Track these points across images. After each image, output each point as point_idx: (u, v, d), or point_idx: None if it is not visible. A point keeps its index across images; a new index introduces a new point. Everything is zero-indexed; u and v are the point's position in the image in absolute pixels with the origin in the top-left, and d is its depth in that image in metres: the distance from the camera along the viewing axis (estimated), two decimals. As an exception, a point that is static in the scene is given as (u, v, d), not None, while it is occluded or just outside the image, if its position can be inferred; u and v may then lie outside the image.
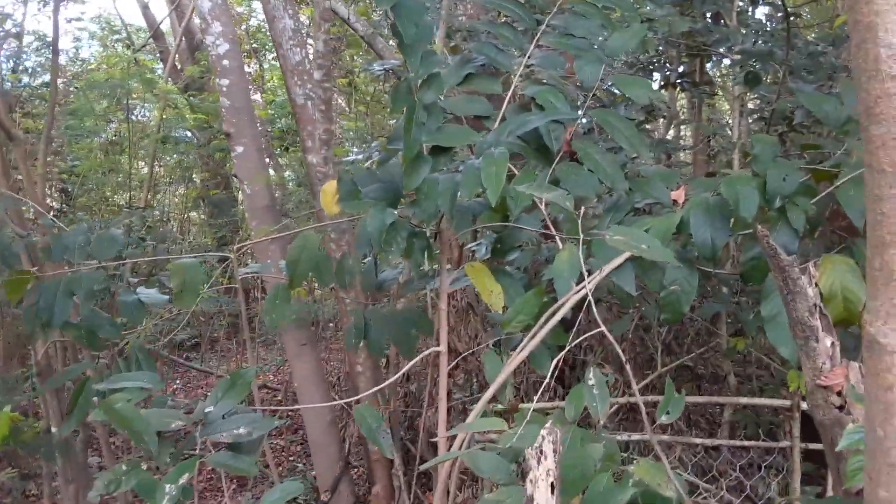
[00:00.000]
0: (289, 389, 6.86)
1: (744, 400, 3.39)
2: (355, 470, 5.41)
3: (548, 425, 1.23)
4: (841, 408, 1.17)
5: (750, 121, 5.39)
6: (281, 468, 5.46)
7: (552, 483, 1.21)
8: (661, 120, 7.38)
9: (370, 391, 2.01)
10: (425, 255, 2.12)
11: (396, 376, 2.01)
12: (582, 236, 1.98)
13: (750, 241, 1.87)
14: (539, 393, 2.09)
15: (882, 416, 0.71)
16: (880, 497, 0.74)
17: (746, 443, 3.36)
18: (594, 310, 1.69)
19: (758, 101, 5.60)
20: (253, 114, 4.26)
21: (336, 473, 4.29)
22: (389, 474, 4.44)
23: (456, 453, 1.65)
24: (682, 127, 9.11)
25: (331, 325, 8.26)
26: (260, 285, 7.81)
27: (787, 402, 3.37)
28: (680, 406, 1.47)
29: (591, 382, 1.51)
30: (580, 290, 2.08)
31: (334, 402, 2.06)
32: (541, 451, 1.22)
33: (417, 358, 2.02)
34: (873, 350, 0.70)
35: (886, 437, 0.71)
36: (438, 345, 2.08)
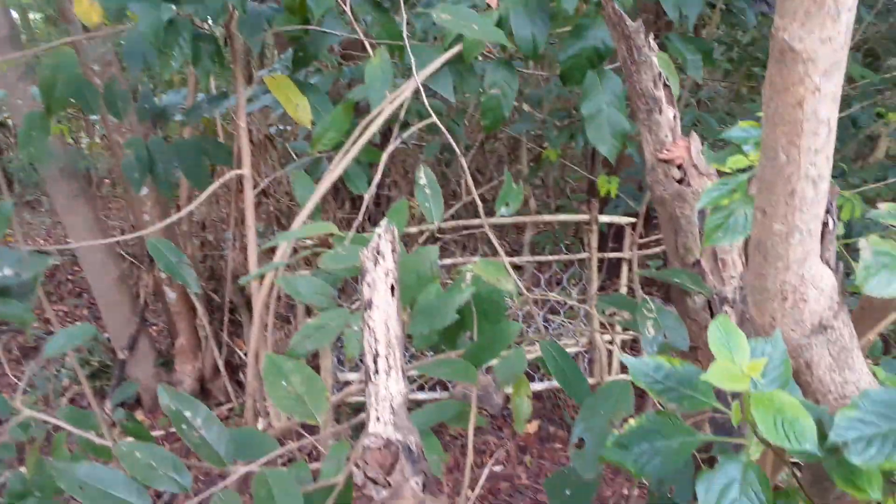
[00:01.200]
0: (65, 250, 6.17)
1: (546, 217, 3.51)
2: (154, 327, 5.07)
3: (383, 223, 1.09)
4: (681, 181, 1.15)
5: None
6: (67, 334, 4.96)
7: (392, 285, 1.09)
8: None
9: (158, 225, 1.74)
10: (215, 63, 1.80)
11: (190, 207, 1.75)
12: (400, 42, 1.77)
13: (571, 39, 1.79)
14: (359, 218, 1.94)
15: (787, 139, 0.64)
16: (775, 231, 0.71)
17: (550, 257, 3.53)
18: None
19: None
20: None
21: (132, 331, 3.97)
22: (193, 326, 4.19)
23: (274, 264, 1.48)
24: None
25: (106, 181, 7.46)
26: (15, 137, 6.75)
27: (586, 217, 3.55)
28: (519, 198, 1.41)
29: (422, 181, 1.39)
30: (394, 98, 1.91)
31: (116, 238, 1.77)
32: (378, 252, 1.08)
33: (218, 182, 1.76)
34: (784, 61, 0.62)
35: (790, 161, 0.65)
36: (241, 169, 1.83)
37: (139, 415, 4.23)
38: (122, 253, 4.98)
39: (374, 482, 1.10)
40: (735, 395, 0.65)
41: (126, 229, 4.89)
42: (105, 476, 1.21)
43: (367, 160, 1.97)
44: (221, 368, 4.11)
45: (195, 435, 1.27)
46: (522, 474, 3.98)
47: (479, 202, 1.42)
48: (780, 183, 0.67)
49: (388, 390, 1.12)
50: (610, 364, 3.93)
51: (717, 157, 0.93)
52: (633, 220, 3.63)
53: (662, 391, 0.64)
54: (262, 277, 1.90)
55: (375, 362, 1.12)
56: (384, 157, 1.75)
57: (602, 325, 3.98)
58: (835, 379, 0.76)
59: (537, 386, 4.18)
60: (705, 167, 1.13)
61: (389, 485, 1.09)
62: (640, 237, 3.41)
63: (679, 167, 1.14)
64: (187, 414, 1.28)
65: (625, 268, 3.58)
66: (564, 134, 3.12)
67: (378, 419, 1.13)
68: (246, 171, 1.80)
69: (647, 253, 3.89)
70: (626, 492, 3.76)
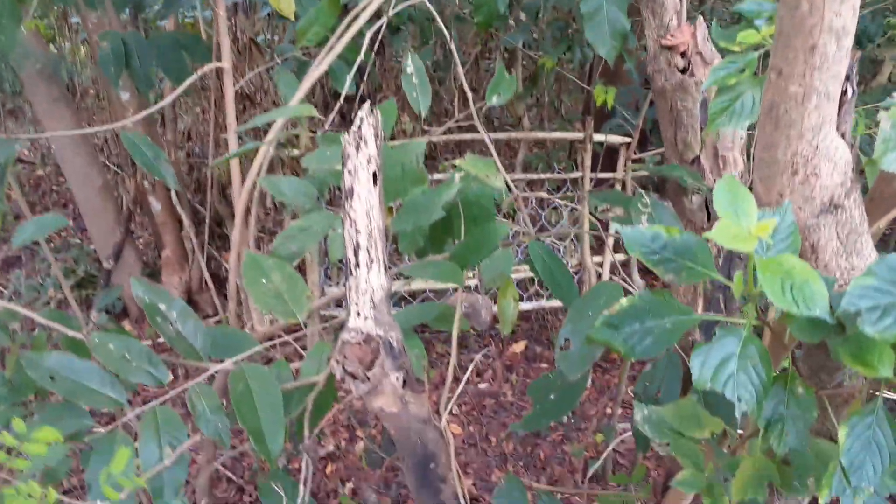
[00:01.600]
0: (48, 158, 6.06)
1: (540, 134, 3.43)
2: (140, 239, 5.02)
3: (366, 107, 1.02)
4: (684, 70, 1.08)
5: None
6: (52, 244, 4.91)
7: (374, 172, 1.03)
8: None
9: (137, 116, 1.66)
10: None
11: (168, 99, 1.66)
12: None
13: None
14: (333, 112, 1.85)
15: (811, -14, 0.58)
16: (790, 93, 0.65)
17: (543, 175, 3.46)
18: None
19: None
20: None
21: (117, 240, 3.91)
22: (179, 237, 4.14)
23: (252, 145, 1.41)
24: None
25: (91, 91, 7.26)
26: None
27: (581, 135, 3.47)
28: (511, 87, 1.33)
29: (409, 70, 1.31)
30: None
31: (93, 129, 1.69)
32: (360, 136, 1.02)
33: (196, 74, 1.67)
34: None
35: (812, 10, 0.59)
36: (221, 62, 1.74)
37: (126, 325, 4.23)
38: (107, 163, 4.88)
39: (354, 377, 1.07)
40: (735, 269, 0.61)
41: (110, 138, 4.76)
42: (77, 367, 1.17)
43: (353, 58, 1.88)
44: (208, 281, 4.06)
45: (170, 328, 1.23)
46: (508, 392, 4.03)
47: (474, 112, 1.34)
48: (799, 37, 0.60)
49: (369, 284, 1.07)
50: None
51: (726, 35, 0.86)
52: (628, 139, 3.55)
53: (659, 262, 0.60)
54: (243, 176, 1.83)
55: (356, 255, 1.07)
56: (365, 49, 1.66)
57: (592, 248, 3.95)
58: (841, 264, 0.72)
59: (525, 306, 4.18)
60: (711, 55, 1.06)
61: (369, 379, 1.06)
62: (635, 156, 3.34)
63: (683, 55, 1.06)
64: (161, 306, 1.23)
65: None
66: (562, 45, 2.99)
67: (358, 314, 1.09)
68: (226, 63, 1.71)
69: (642, 175, 3.83)
70: (609, 410, 3.81)
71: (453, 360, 1.22)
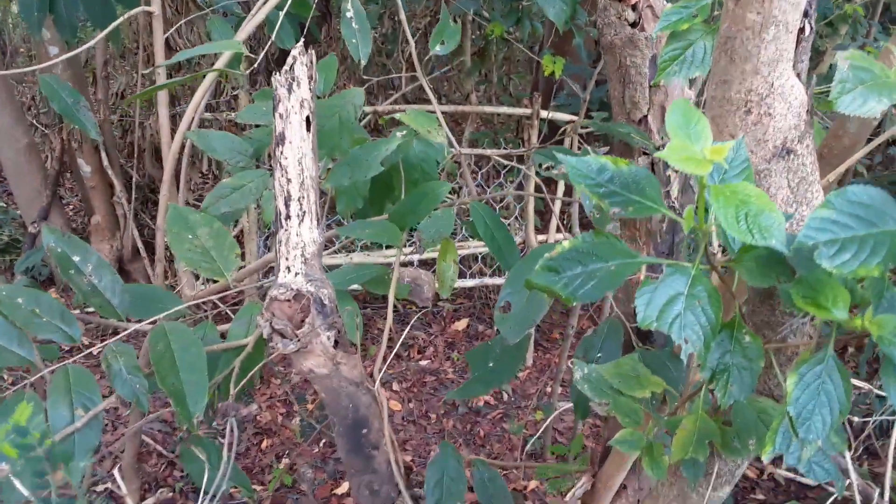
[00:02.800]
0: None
1: (488, 108, 3.38)
2: (68, 204, 4.80)
3: (299, 46, 0.95)
4: (634, 24, 1.05)
5: None
6: (-27, 208, 4.65)
7: (308, 117, 0.97)
8: None
9: (61, 58, 1.54)
10: None
11: (90, 43, 1.54)
12: None
13: None
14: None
15: None
16: (748, 22, 0.61)
17: (489, 151, 3.42)
18: None
19: None
20: None
21: (43, 203, 3.72)
22: (110, 203, 3.96)
23: (174, 81, 1.32)
24: None
25: (21, 50, 6.91)
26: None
27: (528, 111, 3.44)
28: (456, 37, 1.27)
29: (349, 14, 1.23)
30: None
31: (9, 72, 1.55)
32: (292, 77, 0.95)
33: (121, 18, 1.56)
34: None
35: None
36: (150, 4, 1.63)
37: (52, 293, 4.04)
38: (35, 123, 4.64)
39: (282, 335, 1.00)
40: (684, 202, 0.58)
41: (38, 97, 4.52)
42: (-22, 321, 1.08)
43: (296, 12, 1.79)
44: (141, 249, 3.92)
45: (84, 281, 1.14)
46: (449, 369, 4.01)
47: (423, 80, 1.27)
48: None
49: (300, 237, 1.01)
50: (542, 264, 3.92)
51: (680, -18, 0.83)
52: (573, 117, 3.54)
53: (606, 195, 0.56)
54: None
55: (287, 205, 1.00)
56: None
57: (538, 228, 3.94)
58: (790, 214, 0.69)
59: (468, 283, 4.15)
60: (662, 8, 1.03)
61: (298, 338, 1.00)
62: (581, 136, 3.33)
63: (634, 7, 1.03)
64: (75, 258, 1.15)
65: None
66: (512, 16, 2.95)
67: (289, 269, 1.03)
68: (155, 8, 1.60)
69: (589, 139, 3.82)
70: (549, 389, 3.83)
71: (389, 321, 1.16)
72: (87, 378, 1.11)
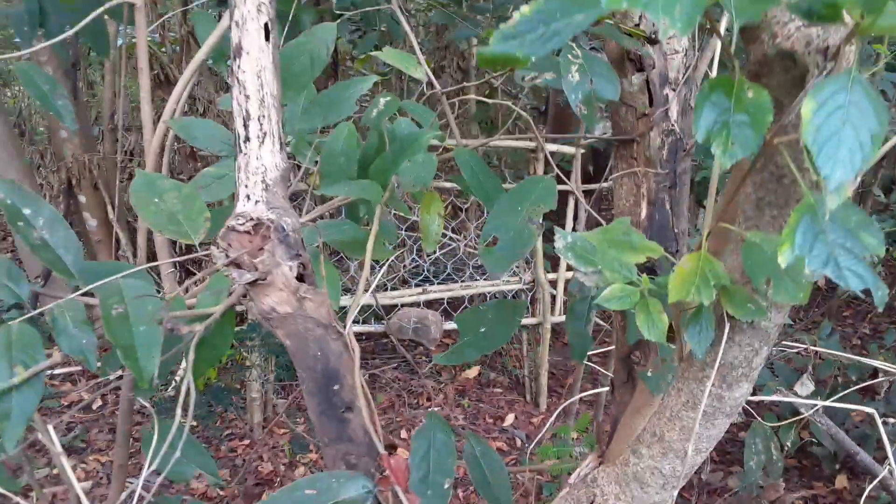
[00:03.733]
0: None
1: (492, 141, 3.33)
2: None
3: (259, -49, 0.89)
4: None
5: None
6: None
7: (266, 24, 0.89)
8: None
9: (41, 46, 1.49)
10: None
11: (77, 27, 1.50)
12: None
13: None
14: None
15: None
16: None
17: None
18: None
19: None
20: None
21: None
22: (116, 257, 3.91)
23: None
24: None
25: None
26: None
27: (533, 145, 3.38)
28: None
29: None
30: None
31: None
32: (250, -19, 0.88)
33: (103, 8, 1.52)
34: None
35: None
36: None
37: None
38: (42, 184, 4.66)
39: (239, 266, 0.90)
40: None
41: (45, 155, 4.55)
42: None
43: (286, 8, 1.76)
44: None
45: (34, 235, 1.05)
46: (459, 416, 3.83)
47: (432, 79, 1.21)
48: None
49: (260, 161, 0.92)
50: (553, 304, 3.79)
51: None
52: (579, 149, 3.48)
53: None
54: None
55: (246, 126, 0.92)
56: None
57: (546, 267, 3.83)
58: None
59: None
60: None
61: (256, 267, 0.90)
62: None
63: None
64: (26, 211, 1.06)
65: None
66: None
67: (248, 197, 0.93)
68: (137, 0, 1.56)
69: (591, 187, 3.75)
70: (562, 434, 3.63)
71: (365, 273, 1.06)
72: (33, 337, 1.01)
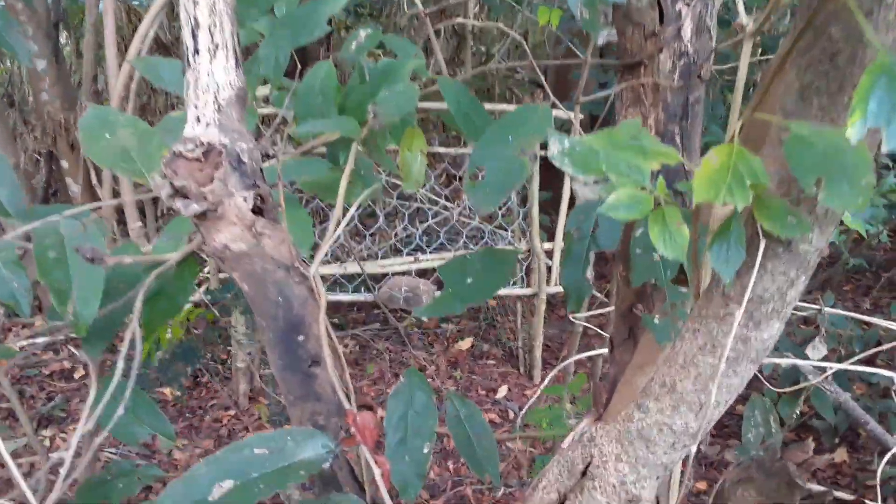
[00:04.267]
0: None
1: (486, 105, 3.21)
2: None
3: None
4: None
5: None
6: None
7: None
8: None
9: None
10: None
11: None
12: None
13: None
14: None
15: None
16: None
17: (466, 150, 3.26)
18: None
19: None
20: None
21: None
22: (95, 219, 3.80)
23: None
24: None
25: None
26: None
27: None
28: None
29: None
30: None
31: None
32: None
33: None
34: None
35: None
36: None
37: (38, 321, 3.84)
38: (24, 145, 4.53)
39: (185, 196, 0.79)
40: None
41: (30, 124, 4.43)
42: None
43: None
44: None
45: (-37, 167, 0.94)
46: (451, 388, 3.74)
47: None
48: None
49: (212, 78, 0.81)
50: (549, 274, 3.68)
51: None
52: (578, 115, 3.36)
53: None
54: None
55: (195, 37, 0.80)
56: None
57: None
58: None
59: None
60: None
61: (205, 197, 0.78)
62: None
63: None
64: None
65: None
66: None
67: (198, 119, 0.82)
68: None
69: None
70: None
71: (337, 212, 0.94)
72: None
